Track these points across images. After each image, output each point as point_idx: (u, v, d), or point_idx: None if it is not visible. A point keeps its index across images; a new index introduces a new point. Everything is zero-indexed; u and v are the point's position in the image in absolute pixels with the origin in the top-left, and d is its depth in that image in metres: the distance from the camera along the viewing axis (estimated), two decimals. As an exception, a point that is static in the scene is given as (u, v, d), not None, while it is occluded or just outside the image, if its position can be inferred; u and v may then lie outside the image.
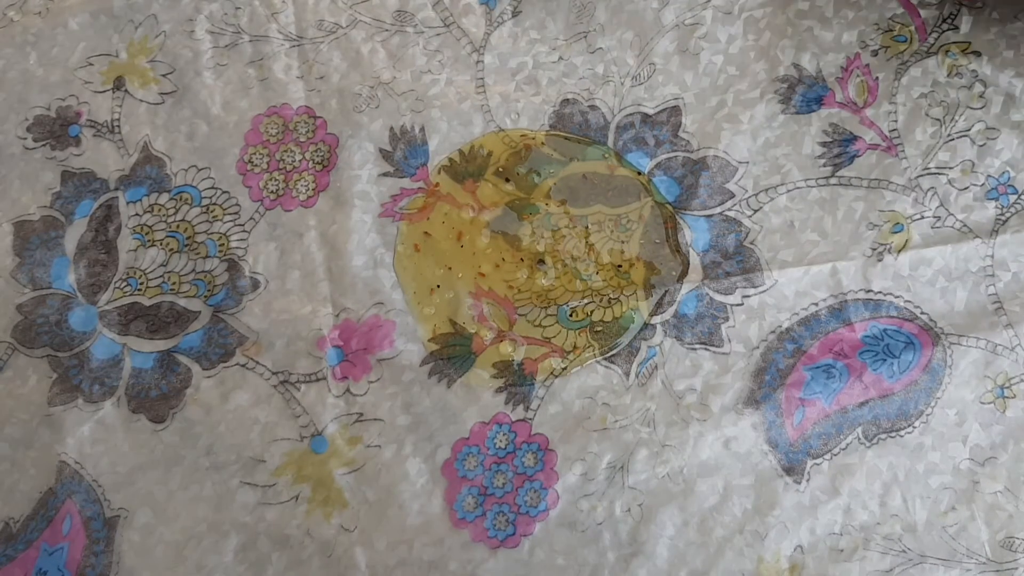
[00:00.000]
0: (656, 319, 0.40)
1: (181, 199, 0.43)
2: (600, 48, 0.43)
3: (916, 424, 0.38)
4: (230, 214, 0.42)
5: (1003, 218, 0.40)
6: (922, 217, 0.40)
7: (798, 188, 0.41)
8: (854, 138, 0.41)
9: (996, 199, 0.40)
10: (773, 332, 0.39)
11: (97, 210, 0.43)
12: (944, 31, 0.42)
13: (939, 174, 0.40)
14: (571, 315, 0.40)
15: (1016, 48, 0.42)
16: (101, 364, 0.41)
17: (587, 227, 0.41)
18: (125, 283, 0.42)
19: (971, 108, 0.41)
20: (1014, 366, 0.38)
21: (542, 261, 0.41)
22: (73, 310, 0.42)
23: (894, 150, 0.41)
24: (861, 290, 0.39)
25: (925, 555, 0.37)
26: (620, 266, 0.41)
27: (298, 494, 0.39)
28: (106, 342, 0.41)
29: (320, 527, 0.38)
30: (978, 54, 0.42)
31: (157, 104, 0.44)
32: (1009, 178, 0.40)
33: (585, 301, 0.40)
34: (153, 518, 0.39)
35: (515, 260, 0.41)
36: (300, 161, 0.43)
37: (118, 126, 0.44)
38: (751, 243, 0.40)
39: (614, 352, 0.40)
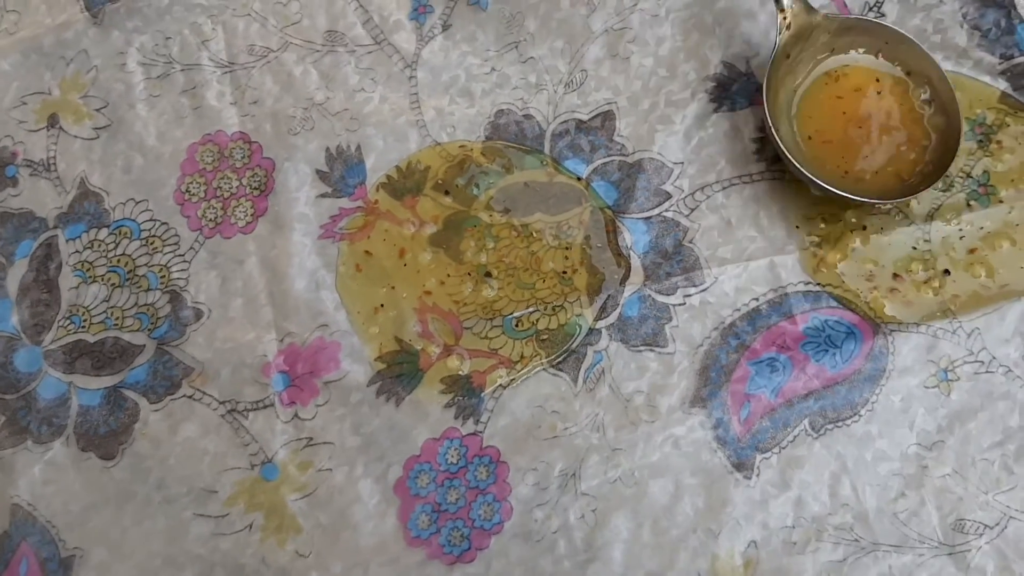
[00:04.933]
0: (601, 323, 0.40)
1: (120, 233, 0.42)
2: (532, 57, 0.44)
3: (862, 412, 0.38)
4: (169, 245, 0.42)
5: (937, 204, 0.40)
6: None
7: (733, 185, 0.41)
8: (787, 131, 0.41)
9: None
10: (716, 329, 0.39)
11: (37, 249, 0.43)
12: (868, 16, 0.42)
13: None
14: (516, 325, 0.40)
15: (944, 33, 0.42)
16: (48, 404, 0.41)
17: (530, 235, 0.41)
18: (68, 321, 0.42)
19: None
20: (956, 348, 0.39)
21: (489, 274, 0.41)
22: (18, 351, 0.41)
23: (827, 141, 0.41)
24: (800, 282, 0.40)
25: (877, 543, 0.37)
26: (564, 272, 0.41)
27: (251, 523, 0.39)
28: (52, 382, 0.41)
29: (275, 554, 0.38)
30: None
31: (92, 139, 0.44)
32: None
33: (530, 310, 0.40)
34: (108, 556, 0.39)
35: (460, 275, 0.41)
36: (237, 187, 0.43)
37: (54, 164, 0.44)
38: (690, 242, 0.40)
39: (561, 359, 0.40)
